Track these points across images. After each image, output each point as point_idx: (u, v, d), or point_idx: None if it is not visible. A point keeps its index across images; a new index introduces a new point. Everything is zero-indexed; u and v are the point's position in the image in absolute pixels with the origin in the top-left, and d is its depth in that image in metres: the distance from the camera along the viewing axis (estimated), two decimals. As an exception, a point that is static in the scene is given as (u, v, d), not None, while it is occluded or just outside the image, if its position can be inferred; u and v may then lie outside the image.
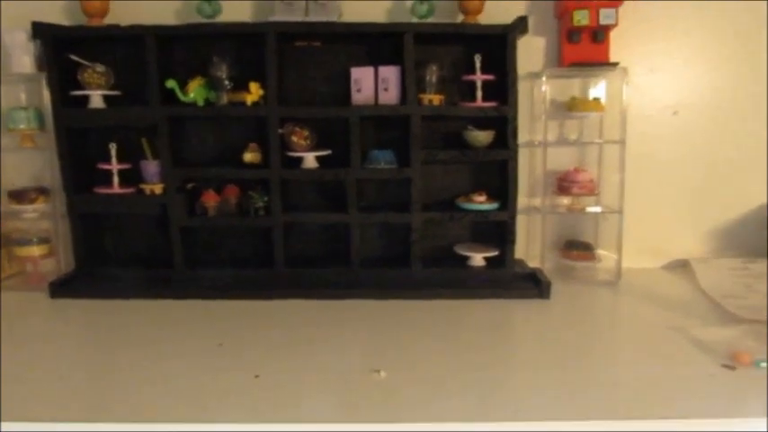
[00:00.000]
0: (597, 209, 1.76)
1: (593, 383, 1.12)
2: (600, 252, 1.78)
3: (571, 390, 1.10)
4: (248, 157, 1.65)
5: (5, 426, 0.99)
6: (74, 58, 1.60)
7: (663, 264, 1.87)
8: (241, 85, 1.60)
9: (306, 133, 1.63)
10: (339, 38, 1.65)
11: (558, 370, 1.18)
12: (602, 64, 1.66)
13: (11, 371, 1.18)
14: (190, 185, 1.68)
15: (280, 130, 1.60)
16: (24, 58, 1.64)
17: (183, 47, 1.67)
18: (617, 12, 1.60)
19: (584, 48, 1.66)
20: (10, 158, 1.77)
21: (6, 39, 1.63)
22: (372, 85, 1.61)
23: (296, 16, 1.58)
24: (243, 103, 1.60)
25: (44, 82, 1.62)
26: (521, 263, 1.76)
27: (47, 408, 1.04)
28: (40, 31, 1.57)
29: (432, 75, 1.62)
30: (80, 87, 1.62)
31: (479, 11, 1.63)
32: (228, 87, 1.60)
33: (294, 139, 1.62)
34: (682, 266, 1.84)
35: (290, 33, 1.60)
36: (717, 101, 1.77)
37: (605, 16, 1.60)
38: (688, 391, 1.09)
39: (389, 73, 1.61)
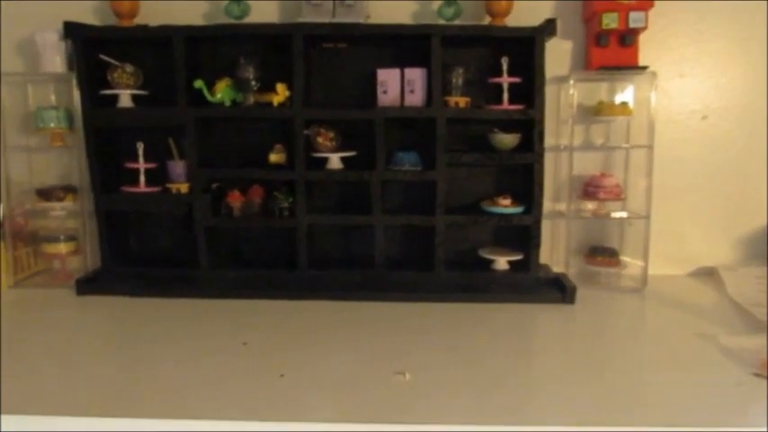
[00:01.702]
0: (623, 214, 1.74)
1: (617, 389, 1.11)
2: (625, 258, 1.76)
3: (595, 395, 1.08)
4: (274, 157, 1.66)
5: (28, 419, 1.00)
6: (104, 57, 1.62)
7: (689, 271, 1.84)
8: (268, 87, 1.61)
9: (331, 134, 1.63)
10: (366, 39, 1.65)
11: (582, 375, 1.17)
12: (630, 68, 1.65)
13: (37, 366, 1.19)
14: (215, 185, 1.69)
15: (305, 132, 1.61)
16: (55, 57, 1.67)
17: (211, 48, 1.68)
18: (647, 15, 1.58)
19: (613, 51, 1.64)
20: (39, 157, 1.79)
21: (38, 39, 1.66)
22: (398, 86, 1.61)
23: (323, 18, 1.59)
24: (269, 104, 1.60)
25: (74, 81, 1.64)
26: (545, 268, 1.74)
27: (71, 403, 1.04)
28: (72, 31, 1.59)
29: (458, 77, 1.61)
30: (109, 87, 1.63)
31: (507, 13, 1.62)
32: (255, 88, 1.61)
33: (319, 140, 1.63)
34: (708, 274, 1.81)
35: (316, 35, 1.60)
36: (746, 106, 1.75)
37: (635, 20, 1.58)
38: (716, 399, 1.07)
39: (415, 75, 1.60)
